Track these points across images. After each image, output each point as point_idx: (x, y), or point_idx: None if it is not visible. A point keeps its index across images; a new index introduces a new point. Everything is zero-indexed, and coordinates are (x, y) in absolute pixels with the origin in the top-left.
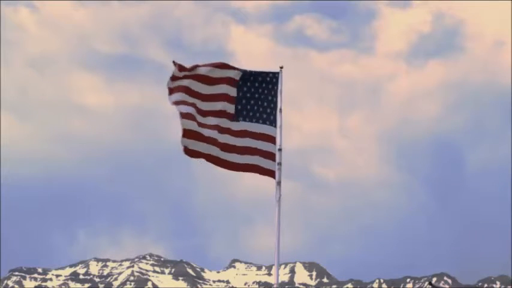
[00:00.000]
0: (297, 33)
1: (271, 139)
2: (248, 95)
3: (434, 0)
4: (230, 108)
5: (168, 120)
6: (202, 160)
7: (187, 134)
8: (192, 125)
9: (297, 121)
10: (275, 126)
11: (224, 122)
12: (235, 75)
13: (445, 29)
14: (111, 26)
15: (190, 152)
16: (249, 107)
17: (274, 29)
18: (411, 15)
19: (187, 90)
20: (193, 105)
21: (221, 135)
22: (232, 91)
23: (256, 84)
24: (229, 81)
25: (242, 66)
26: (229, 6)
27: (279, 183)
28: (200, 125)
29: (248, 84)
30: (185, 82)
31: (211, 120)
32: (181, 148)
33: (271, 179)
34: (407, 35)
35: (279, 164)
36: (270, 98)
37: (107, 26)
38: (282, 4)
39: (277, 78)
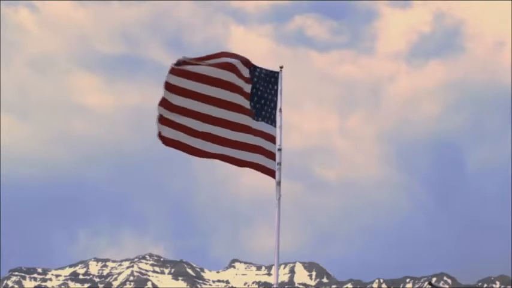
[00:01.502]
0: (297, 33)
1: (272, 138)
2: (253, 91)
3: (435, 0)
4: (246, 103)
5: None
6: (203, 160)
7: (163, 120)
8: (166, 113)
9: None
10: (275, 126)
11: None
12: (246, 72)
13: (445, 29)
14: (111, 26)
15: (165, 140)
16: (251, 103)
17: (274, 29)
18: (411, 16)
19: (193, 95)
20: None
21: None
22: (247, 87)
23: (258, 81)
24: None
25: None
26: (229, 6)
27: (278, 183)
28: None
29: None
30: (190, 85)
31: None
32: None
33: (271, 178)
34: (407, 35)
35: (279, 164)
36: (270, 96)
37: (107, 26)
38: (282, 4)
39: (276, 78)
